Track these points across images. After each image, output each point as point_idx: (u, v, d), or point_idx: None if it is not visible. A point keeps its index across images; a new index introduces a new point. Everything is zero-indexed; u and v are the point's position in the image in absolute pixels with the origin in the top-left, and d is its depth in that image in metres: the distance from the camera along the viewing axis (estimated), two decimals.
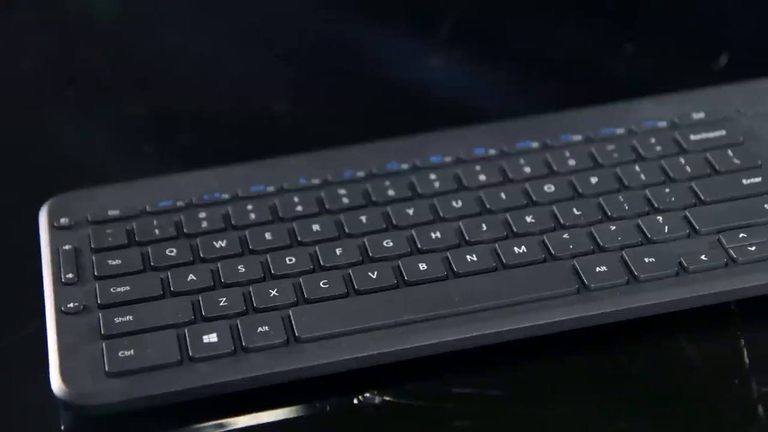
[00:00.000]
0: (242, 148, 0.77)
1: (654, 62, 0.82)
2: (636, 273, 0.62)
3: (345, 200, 0.67)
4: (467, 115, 0.76)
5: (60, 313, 0.61)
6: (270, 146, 0.76)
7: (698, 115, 0.72)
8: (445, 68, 0.83)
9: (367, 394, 0.59)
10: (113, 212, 0.67)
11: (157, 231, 0.66)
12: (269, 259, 0.64)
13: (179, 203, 0.68)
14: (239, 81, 0.82)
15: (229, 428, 0.58)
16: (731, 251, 0.62)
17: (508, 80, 0.81)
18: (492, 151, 0.70)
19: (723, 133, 0.70)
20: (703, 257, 0.62)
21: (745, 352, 0.60)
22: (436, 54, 0.84)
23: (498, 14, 0.87)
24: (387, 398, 0.59)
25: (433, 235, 0.65)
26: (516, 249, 0.63)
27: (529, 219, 0.65)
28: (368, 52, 0.85)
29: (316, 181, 0.69)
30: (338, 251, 0.64)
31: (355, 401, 0.59)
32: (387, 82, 0.82)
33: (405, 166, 0.70)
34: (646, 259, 0.62)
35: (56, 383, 0.58)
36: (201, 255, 0.64)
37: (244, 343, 0.59)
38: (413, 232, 0.65)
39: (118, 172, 0.73)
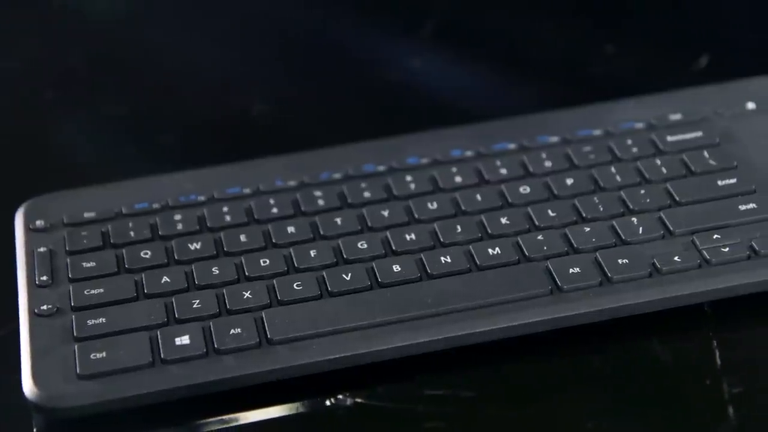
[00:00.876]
0: (222, 149, 0.77)
1: (635, 63, 0.82)
2: (609, 274, 0.62)
3: (320, 202, 0.67)
4: (447, 116, 0.77)
5: (33, 315, 0.61)
6: (250, 148, 0.76)
7: (675, 117, 0.72)
8: (426, 69, 0.83)
9: (340, 396, 0.59)
10: (89, 214, 0.67)
11: (132, 233, 0.66)
12: (243, 261, 0.64)
13: (155, 205, 0.68)
14: (220, 83, 0.82)
15: (200, 431, 0.58)
16: (705, 252, 0.62)
17: (489, 81, 0.81)
18: (469, 153, 0.70)
19: (700, 134, 0.70)
20: (676, 258, 0.62)
21: (717, 353, 0.60)
22: (417, 55, 0.84)
23: (479, 15, 0.86)
24: (359, 400, 0.59)
25: (408, 237, 0.65)
26: (490, 250, 0.63)
27: (503, 220, 0.65)
28: (349, 53, 0.85)
29: (292, 183, 0.69)
30: (312, 253, 0.64)
31: (327, 403, 0.59)
32: (367, 83, 0.82)
33: (381, 168, 0.70)
34: (620, 261, 0.62)
35: (28, 386, 0.58)
36: (175, 257, 0.64)
37: (216, 345, 0.59)
38: (388, 233, 0.65)
39: (97, 174, 0.73)
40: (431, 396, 0.59)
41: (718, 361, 0.59)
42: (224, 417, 0.59)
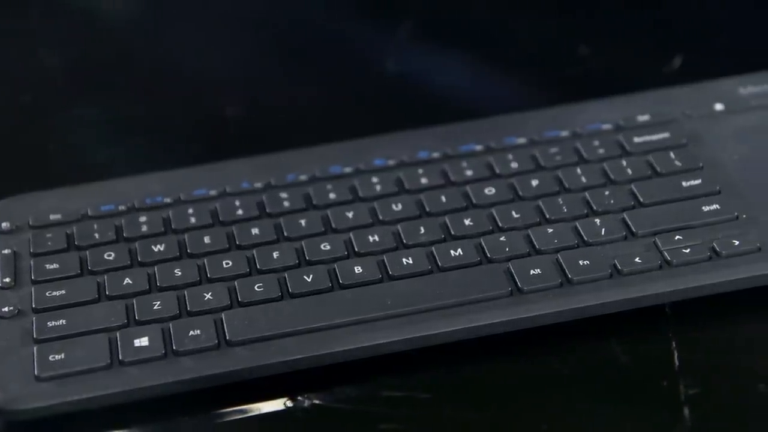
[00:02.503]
0: (195, 151, 0.77)
1: (608, 64, 0.82)
2: (569, 275, 0.62)
3: (286, 204, 0.68)
4: (417, 117, 0.76)
5: None
6: (223, 149, 0.76)
7: (643, 118, 0.72)
8: (398, 70, 0.83)
9: (298, 398, 0.59)
10: (55, 216, 0.67)
11: (96, 235, 0.66)
12: (206, 263, 0.64)
13: (121, 207, 0.68)
14: (193, 84, 0.82)
15: None
16: (666, 253, 0.62)
17: (460, 82, 0.81)
18: (435, 154, 0.70)
19: (666, 135, 0.70)
20: (637, 259, 0.62)
21: (676, 355, 0.60)
22: (391, 56, 0.84)
23: (451, 15, 0.86)
24: (317, 401, 0.59)
25: (371, 238, 0.65)
26: (452, 252, 0.64)
27: (467, 222, 0.65)
28: (322, 55, 0.85)
29: (258, 185, 0.69)
30: (275, 254, 0.64)
31: (285, 405, 0.59)
32: (340, 85, 0.82)
33: (348, 170, 0.70)
34: (581, 262, 0.62)
35: None
36: (139, 259, 0.65)
37: (174, 347, 0.60)
38: (351, 235, 0.65)
39: (67, 176, 0.73)
40: (389, 397, 0.59)
41: (677, 362, 0.59)
42: (182, 419, 0.59)
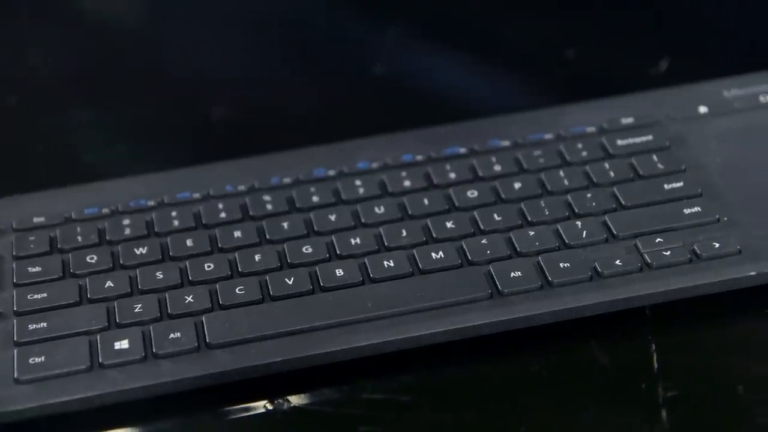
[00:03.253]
0: (180, 153, 0.77)
1: (594, 66, 0.82)
2: (550, 278, 0.62)
3: (269, 207, 0.68)
4: (404, 119, 0.76)
5: None
6: (209, 152, 0.76)
7: (627, 120, 0.72)
8: (385, 72, 0.83)
9: (277, 400, 0.59)
10: (38, 219, 0.67)
11: (79, 238, 0.66)
12: (188, 266, 0.64)
13: (105, 210, 0.68)
14: (179, 87, 0.83)
15: None
16: (646, 256, 0.63)
17: (447, 84, 0.81)
18: (419, 157, 0.70)
19: (650, 138, 0.70)
20: (617, 262, 0.62)
21: (655, 357, 0.60)
22: (378, 59, 0.84)
23: (437, 18, 0.87)
24: (296, 404, 0.59)
25: (353, 241, 0.65)
26: (433, 254, 0.64)
27: (449, 224, 0.65)
28: (309, 57, 0.85)
29: (242, 188, 0.69)
30: (257, 257, 0.64)
31: (264, 408, 0.59)
32: (327, 87, 0.82)
33: (332, 173, 0.70)
34: (561, 265, 0.62)
35: None
36: (121, 262, 0.65)
37: (154, 350, 0.60)
38: (333, 238, 0.65)
39: (53, 178, 0.73)
40: (369, 400, 0.59)
41: (656, 365, 0.59)
42: (161, 422, 0.59)
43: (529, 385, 0.60)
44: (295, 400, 0.60)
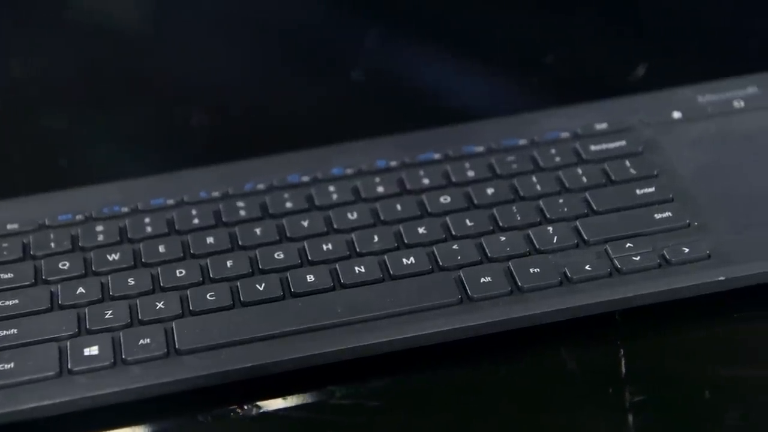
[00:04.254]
0: (157, 160, 0.77)
1: (570, 72, 0.82)
2: (520, 283, 0.62)
3: (242, 213, 0.68)
4: (380, 125, 0.76)
5: None
6: (185, 158, 0.76)
7: (601, 126, 0.72)
8: (361, 78, 0.83)
9: (246, 406, 0.59)
10: (12, 226, 0.68)
11: (52, 244, 0.66)
12: (160, 272, 0.64)
13: (78, 217, 0.68)
14: (157, 93, 0.83)
15: None
16: (616, 261, 0.63)
17: (422, 90, 0.81)
18: (393, 163, 0.70)
19: (623, 143, 0.71)
20: (587, 267, 0.62)
21: (623, 362, 0.60)
22: (355, 65, 0.84)
23: (412, 24, 0.87)
24: (265, 410, 0.59)
25: (325, 247, 0.65)
26: (404, 260, 0.64)
27: (421, 230, 0.66)
28: (285, 63, 0.85)
29: (216, 194, 0.69)
30: (229, 263, 0.64)
31: (234, 413, 0.59)
32: (303, 93, 0.82)
33: (306, 179, 0.70)
34: (531, 270, 0.63)
35: None
36: (93, 268, 0.65)
37: (124, 356, 0.60)
38: (305, 243, 0.65)
39: (27, 185, 0.73)
40: (337, 405, 0.59)
41: (623, 370, 0.59)
42: (129, 428, 0.59)
43: (497, 390, 0.60)
44: (265, 405, 0.60)
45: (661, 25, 0.85)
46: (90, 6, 0.88)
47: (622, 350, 0.61)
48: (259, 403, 0.60)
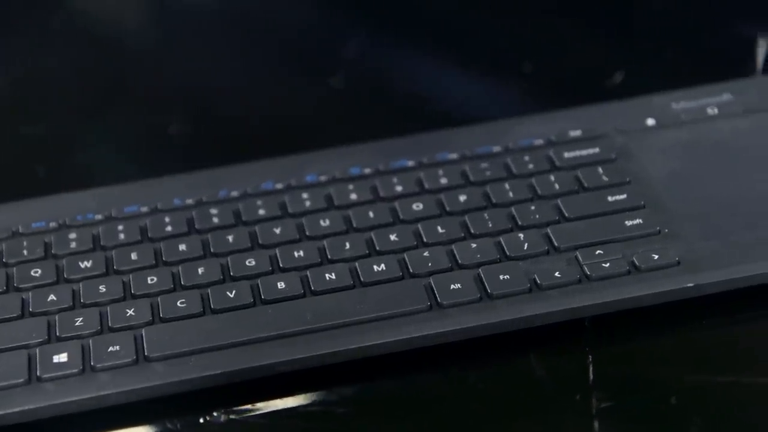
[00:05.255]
0: (132, 167, 0.77)
1: (550, 79, 0.82)
2: (489, 290, 0.62)
3: (215, 220, 0.68)
4: (356, 133, 0.76)
5: None
6: (160, 166, 0.76)
7: (575, 133, 0.72)
8: (339, 85, 0.83)
9: (214, 413, 0.59)
10: None
11: (25, 252, 0.67)
12: (131, 279, 0.64)
13: (52, 224, 0.68)
14: (132, 101, 0.83)
15: None
16: (585, 268, 0.63)
17: (399, 97, 0.82)
18: (367, 170, 0.71)
19: (596, 150, 0.71)
20: (557, 274, 0.63)
21: (591, 368, 0.60)
22: (329, 72, 0.84)
23: (388, 31, 0.87)
24: (233, 417, 0.59)
25: (296, 254, 0.65)
26: (375, 267, 0.64)
27: (392, 237, 0.66)
28: (262, 71, 0.85)
29: (190, 201, 0.69)
30: (200, 270, 0.65)
31: (201, 420, 0.59)
32: (280, 100, 0.82)
33: (279, 186, 0.70)
34: (501, 277, 0.63)
35: None
36: (65, 276, 0.65)
37: (92, 363, 0.60)
38: (277, 251, 0.65)
39: (2, 192, 0.73)
40: (305, 412, 0.60)
41: (591, 376, 0.59)
42: None
43: (466, 396, 0.60)
44: (233, 412, 0.60)
45: (637, 32, 0.85)
46: (67, 13, 0.89)
47: (590, 357, 0.61)
48: (228, 411, 0.60)
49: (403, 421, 0.59)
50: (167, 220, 0.68)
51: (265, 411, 0.60)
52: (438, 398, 0.60)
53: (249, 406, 0.60)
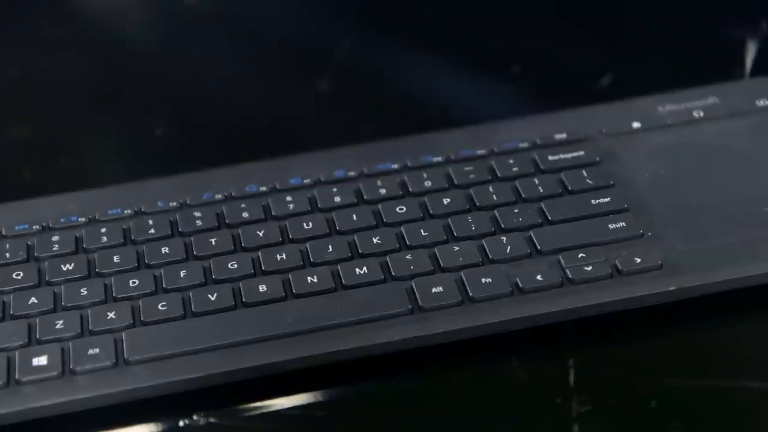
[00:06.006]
0: (116, 170, 0.77)
1: (538, 82, 0.82)
2: (471, 293, 0.62)
3: (198, 222, 0.68)
4: (343, 136, 0.76)
5: None
6: (145, 168, 0.76)
7: (560, 136, 0.72)
8: (324, 89, 0.83)
9: (194, 416, 0.59)
10: None
11: (7, 254, 0.66)
12: (113, 282, 0.64)
13: (35, 227, 0.68)
14: (116, 104, 0.83)
15: None
16: (567, 271, 0.63)
17: (385, 100, 0.81)
18: (352, 173, 0.70)
19: (581, 153, 0.70)
20: (538, 277, 0.62)
21: (572, 372, 0.60)
22: (315, 74, 0.84)
23: (375, 35, 0.87)
24: (212, 420, 0.59)
25: (278, 257, 0.65)
26: (357, 270, 0.64)
27: (375, 240, 0.66)
28: (248, 74, 0.85)
29: (173, 204, 0.69)
30: (182, 273, 0.64)
31: (181, 423, 0.59)
32: (267, 103, 0.82)
33: (264, 189, 0.70)
34: (483, 280, 0.62)
35: None
36: (47, 278, 0.65)
37: (72, 366, 0.60)
38: (260, 253, 0.65)
39: None
40: (285, 416, 0.60)
41: (572, 380, 0.59)
42: None
43: (446, 400, 0.60)
44: (212, 416, 0.60)
45: (625, 35, 0.85)
46: (50, 16, 0.88)
47: (571, 360, 0.60)
48: (207, 414, 0.59)
49: (383, 425, 0.59)
50: (150, 222, 0.68)
51: (245, 414, 0.60)
52: (419, 402, 0.60)
53: (229, 410, 0.60)
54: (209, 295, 0.63)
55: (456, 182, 0.69)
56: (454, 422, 0.59)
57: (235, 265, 0.65)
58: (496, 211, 0.67)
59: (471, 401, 0.60)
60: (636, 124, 0.72)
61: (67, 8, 0.93)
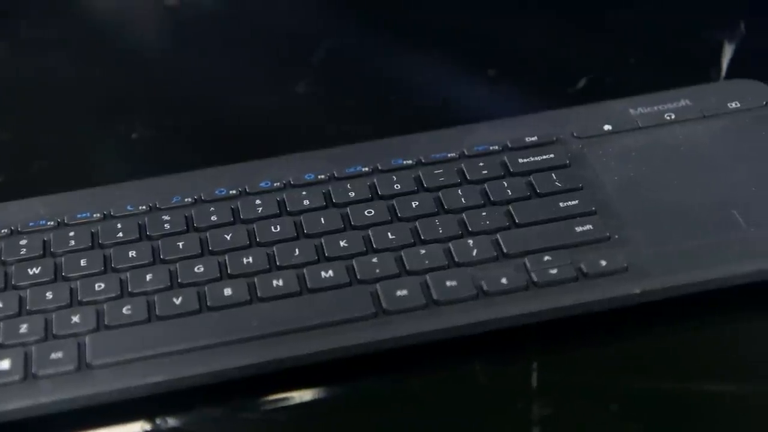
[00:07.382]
0: (85, 174, 0.77)
1: (514, 85, 0.82)
2: (435, 296, 0.62)
3: (167, 226, 0.68)
4: (315, 139, 0.76)
5: None
6: (115, 172, 0.76)
7: (531, 139, 0.71)
8: (297, 93, 0.83)
9: (157, 421, 0.59)
10: None
11: None
12: (78, 286, 0.64)
13: (3, 231, 0.68)
14: (87, 107, 0.83)
15: None
16: (533, 274, 0.62)
17: (359, 104, 0.81)
18: (322, 176, 0.70)
19: (551, 156, 0.70)
20: (503, 280, 0.62)
21: (535, 375, 0.59)
22: (292, 78, 0.84)
23: (353, 38, 0.87)
24: (175, 424, 0.59)
25: (245, 260, 0.65)
26: (323, 273, 0.64)
27: (342, 243, 0.65)
28: (222, 77, 0.85)
29: (143, 208, 0.69)
30: (148, 277, 0.64)
31: (143, 428, 0.59)
32: (240, 108, 0.82)
33: (233, 192, 0.70)
34: (448, 283, 0.62)
35: None
36: (12, 282, 0.65)
37: (34, 370, 0.59)
38: (226, 257, 0.65)
39: None
40: (246, 419, 0.59)
41: (534, 383, 0.59)
42: None
43: (409, 403, 0.60)
44: (175, 420, 0.59)
45: (602, 39, 0.85)
46: (34, 15, 0.88)
47: (534, 363, 0.60)
48: (169, 418, 0.59)
49: (348, 427, 0.59)
50: (119, 226, 0.68)
51: (208, 418, 0.60)
52: (381, 405, 0.60)
53: (191, 413, 0.60)
54: (174, 299, 0.63)
55: (425, 185, 0.69)
56: (419, 424, 0.59)
57: (201, 269, 0.65)
58: (464, 214, 0.67)
59: (435, 404, 0.60)
60: (607, 127, 0.72)
61: (38, 7, 0.93)
